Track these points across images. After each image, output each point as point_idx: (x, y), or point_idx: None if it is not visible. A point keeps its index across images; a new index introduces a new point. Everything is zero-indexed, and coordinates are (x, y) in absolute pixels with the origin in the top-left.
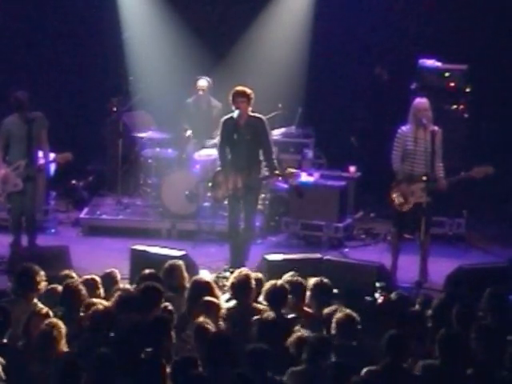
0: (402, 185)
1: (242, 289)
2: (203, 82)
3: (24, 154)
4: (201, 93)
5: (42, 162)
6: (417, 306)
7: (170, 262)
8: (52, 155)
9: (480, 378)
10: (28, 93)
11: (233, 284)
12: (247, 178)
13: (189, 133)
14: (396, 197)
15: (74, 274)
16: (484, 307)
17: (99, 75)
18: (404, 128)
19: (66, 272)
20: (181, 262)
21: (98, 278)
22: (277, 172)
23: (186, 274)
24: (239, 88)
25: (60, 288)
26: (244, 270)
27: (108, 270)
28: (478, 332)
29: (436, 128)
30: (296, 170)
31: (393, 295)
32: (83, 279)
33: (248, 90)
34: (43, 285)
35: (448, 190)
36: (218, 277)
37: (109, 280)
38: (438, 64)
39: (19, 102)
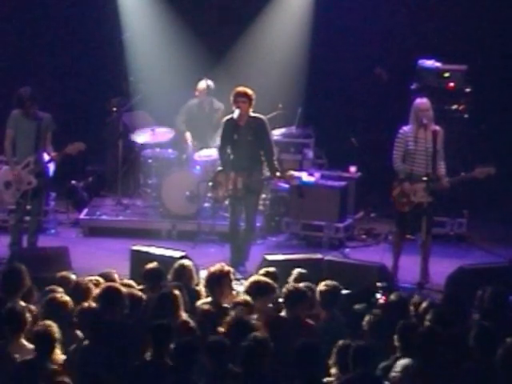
0: (404, 184)
1: (215, 285)
2: (201, 85)
3: (31, 151)
4: (197, 94)
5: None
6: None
7: (180, 262)
8: (53, 154)
9: (477, 377)
10: (32, 89)
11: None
12: (248, 178)
13: (188, 135)
14: (398, 196)
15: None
16: (484, 307)
17: (99, 75)
18: (405, 128)
19: (63, 274)
20: (190, 263)
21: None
22: (278, 174)
23: (195, 276)
24: (240, 88)
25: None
26: (219, 266)
27: (105, 270)
28: (476, 332)
29: (438, 127)
30: (296, 173)
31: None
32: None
33: (249, 91)
34: (28, 284)
35: (450, 189)
36: None
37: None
38: (438, 64)
39: (20, 98)
